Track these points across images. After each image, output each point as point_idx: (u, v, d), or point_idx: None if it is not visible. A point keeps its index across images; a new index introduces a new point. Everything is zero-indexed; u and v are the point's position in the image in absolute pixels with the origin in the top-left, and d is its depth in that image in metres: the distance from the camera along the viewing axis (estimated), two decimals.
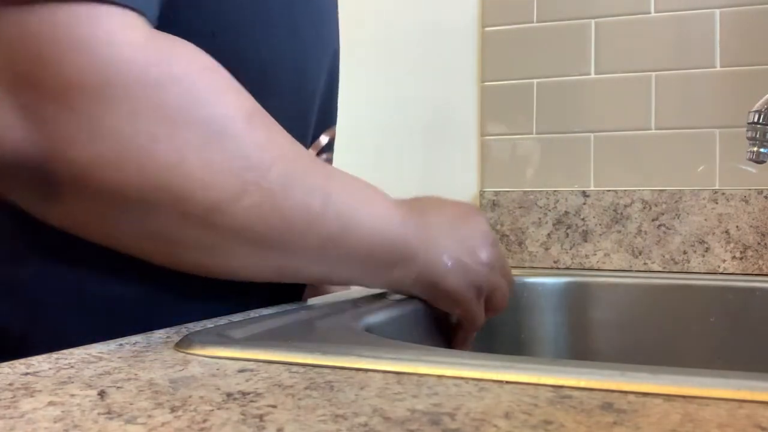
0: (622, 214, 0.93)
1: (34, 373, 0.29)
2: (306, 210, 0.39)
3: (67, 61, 0.31)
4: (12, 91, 0.32)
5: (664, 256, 0.91)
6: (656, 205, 0.91)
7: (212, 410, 0.24)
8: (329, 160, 0.55)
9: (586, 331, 0.82)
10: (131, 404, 0.25)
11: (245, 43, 0.44)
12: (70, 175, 0.33)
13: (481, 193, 1.00)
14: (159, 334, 0.38)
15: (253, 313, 0.46)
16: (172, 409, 0.24)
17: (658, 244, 0.91)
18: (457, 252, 0.49)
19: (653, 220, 0.91)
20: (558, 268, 0.94)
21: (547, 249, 0.96)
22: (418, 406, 0.24)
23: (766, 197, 0.87)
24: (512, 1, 1.00)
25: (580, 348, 0.82)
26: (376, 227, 0.43)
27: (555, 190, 0.96)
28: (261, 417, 0.23)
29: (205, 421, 0.23)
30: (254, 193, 0.36)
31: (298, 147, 0.40)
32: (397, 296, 0.54)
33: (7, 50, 0.31)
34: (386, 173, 1.06)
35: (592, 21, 0.96)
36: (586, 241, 0.94)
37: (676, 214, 0.90)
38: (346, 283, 0.48)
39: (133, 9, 0.34)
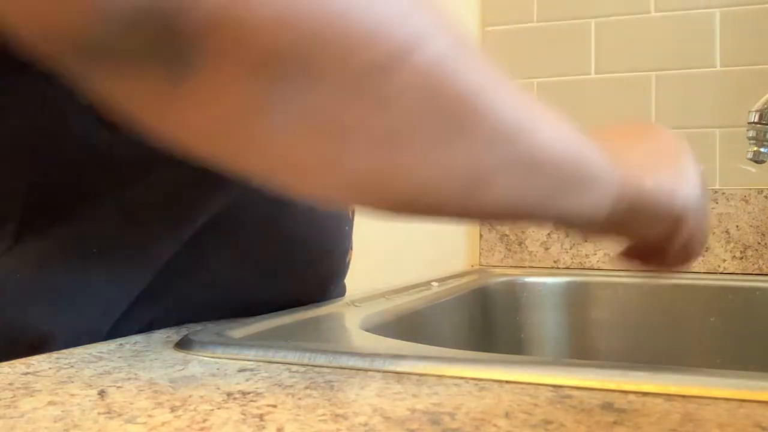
0: None
1: (34, 373, 0.29)
2: (481, 90, 0.29)
3: None
4: None
5: None
6: None
7: (212, 410, 0.24)
8: None
9: (586, 331, 0.82)
10: (131, 404, 0.25)
11: None
12: (209, 24, 0.22)
13: None
14: (159, 334, 0.38)
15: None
16: (172, 409, 0.24)
17: None
18: (663, 171, 0.41)
19: None
20: (558, 268, 0.94)
21: (547, 249, 0.95)
22: (418, 406, 0.24)
23: (766, 197, 0.87)
24: (512, 1, 1.00)
25: (580, 348, 0.82)
26: (559, 136, 0.33)
27: None
28: (261, 416, 0.23)
29: (205, 420, 0.23)
30: (430, 47, 0.26)
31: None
32: (397, 296, 0.54)
33: None
34: None
35: (592, 21, 0.96)
36: (586, 241, 0.94)
37: None
38: (538, 211, 0.36)
39: None
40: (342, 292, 0.56)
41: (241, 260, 0.44)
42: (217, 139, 0.26)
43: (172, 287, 0.41)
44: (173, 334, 0.38)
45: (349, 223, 0.54)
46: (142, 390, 0.26)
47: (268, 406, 0.24)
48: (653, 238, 0.43)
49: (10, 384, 0.27)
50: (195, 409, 0.24)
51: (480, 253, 0.99)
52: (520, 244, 0.97)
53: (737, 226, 0.88)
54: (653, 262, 0.48)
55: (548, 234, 0.96)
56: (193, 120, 0.25)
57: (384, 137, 0.27)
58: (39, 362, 0.31)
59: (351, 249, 0.55)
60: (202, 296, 0.43)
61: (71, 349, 0.34)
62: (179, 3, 0.21)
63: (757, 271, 0.87)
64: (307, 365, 0.31)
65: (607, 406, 0.24)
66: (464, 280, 0.76)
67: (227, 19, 0.22)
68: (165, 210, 0.39)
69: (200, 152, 0.26)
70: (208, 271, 0.42)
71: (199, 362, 0.31)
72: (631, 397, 0.26)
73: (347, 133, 0.26)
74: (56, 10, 0.21)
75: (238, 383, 0.28)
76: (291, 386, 0.27)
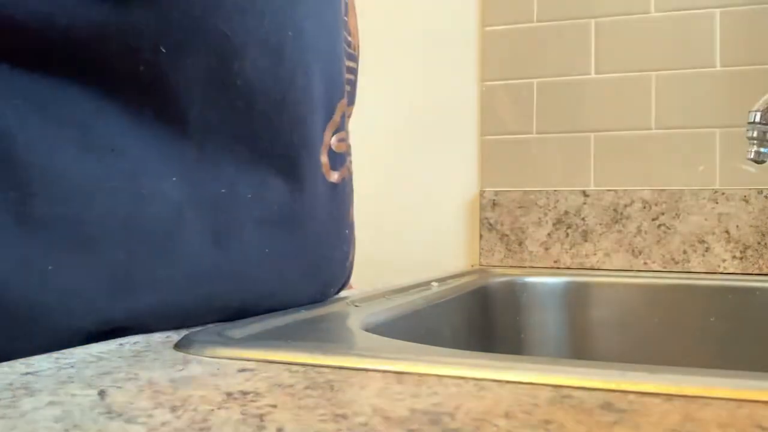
0: (622, 213, 0.93)
1: (34, 373, 0.29)
2: None
3: None
4: None
5: (664, 256, 0.91)
6: (656, 205, 0.91)
7: (212, 410, 0.24)
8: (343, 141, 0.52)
9: (586, 331, 0.82)
10: (131, 404, 0.25)
11: None
12: None
13: (481, 193, 1.00)
14: (159, 334, 0.38)
15: None
16: (172, 409, 0.24)
17: (658, 243, 0.91)
18: None
19: (653, 220, 0.91)
20: (558, 268, 0.94)
21: (547, 249, 0.96)
22: (418, 406, 0.24)
23: (766, 197, 0.87)
24: (512, 1, 1.00)
25: (580, 348, 0.82)
26: None
27: (555, 190, 0.96)
28: (261, 417, 0.23)
29: (205, 420, 0.23)
30: None
31: None
32: (397, 296, 0.54)
33: None
34: (386, 173, 1.07)
35: (592, 21, 0.96)
36: (586, 241, 0.94)
37: (676, 214, 0.90)
38: None
39: None
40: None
41: (241, 270, 0.44)
42: None
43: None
44: (173, 334, 0.38)
45: (349, 226, 0.54)
46: (142, 390, 0.26)
47: (268, 406, 0.24)
48: None
49: (10, 384, 0.27)
50: (195, 409, 0.24)
51: (480, 253, 0.99)
52: (520, 244, 0.97)
53: (737, 226, 0.88)
54: None
55: (548, 234, 0.96)
56: None
57: None
58: (39, 362, 0.31)
59: (352, 252, 0.55)
60: (200, 307, 0.42)
61: (71, 349, 0.34)
62: None
63: (757, 271, 0.87)
64: (307, 365, 0.31)
65: (607, 406, 0.24)
66: (464, 280, 0.76)
67: None
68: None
69: None
70: (205, 283, 0.42)
71: (199, 362, 0.31)
72: (631, 397, 0.26)
73: None
74: None
75: (238, 383, 0.28)
76: (291, 386, 0.27)
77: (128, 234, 0.37)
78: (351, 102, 0.57)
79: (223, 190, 0.41)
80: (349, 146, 0.53)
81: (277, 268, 0.46)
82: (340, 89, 0.49)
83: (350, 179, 0.54)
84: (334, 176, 0.49)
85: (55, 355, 0.32)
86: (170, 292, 0.40)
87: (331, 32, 0.48)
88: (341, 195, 0.51)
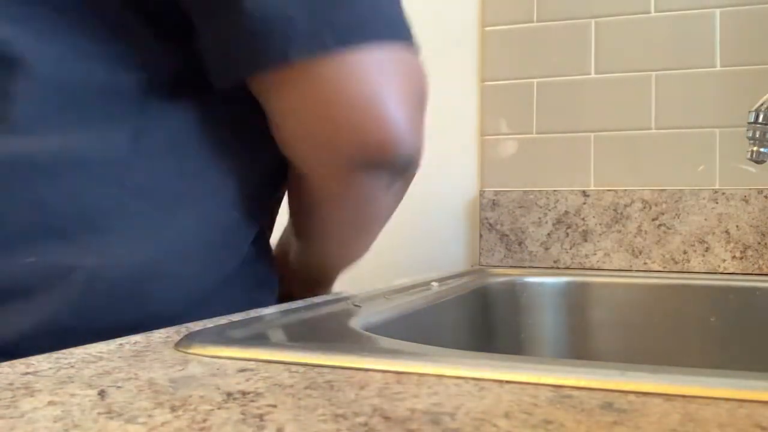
0: (622, 213, 0.93)
1: (34, 373, 0.29)
2: None
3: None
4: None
5: (664, 256, 0.91)
6: (656, 205, 0.91)
7: (212, 410, 0.24)
8: None
9: (586, 331, 0.82)
10: (131, 404, 0.25)
11: None
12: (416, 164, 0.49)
13: (481, 193, 1.00)
14: (159, 334, 0.38)
15: (254, 313, 0.46)
16: (173, 409, 0.24)
17: (658, 243, 0.91)
18: None
19: (653, 220, 0.91)
20: (558, 268, 0.94)
21: (547, 249, 0.96)
22: (418, 406, 0.24)
23: (766, 197, 0.87)
24: (512, 1, 1.00)
25: (580, 348, 0.82)
26: None
27: (555, 190, 0.96)
28: (261, 417, 0.23)
29: (205, 420, 0.23)
30: None
31: None
32: (397, 296, 0.54)
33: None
34: None
35: (592, 21, 0.96)
36: (586, 241, 0.94)
37: (676, 214, 0.90)
38: None
39: None
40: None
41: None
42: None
43: None
44: (173, 334, 0.38)
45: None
46: (142, 390, 0.26)
47: (268, 406, 0.24)
48: None
49: (10, 384, 0.27)
50: (195, 409, 0.24)
51: (480, 253, 0.99)
52: (520, 244, 0.97)
53: (737, 226, 0.88)
54: None
55: (548, 234, 0.96)
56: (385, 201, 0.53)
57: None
58: (39, 362, 0.31)
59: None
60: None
61: (71, 349, 0.34)
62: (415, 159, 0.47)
63: (757, 271, 0.87)
64: (307, 365, 0.31)
65: (607, 406, 0.24)
66: (464, 280, 0.76)
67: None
68: None
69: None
70: None
71: (199, 362, 0.31)
72: (631, 397, 0.26)
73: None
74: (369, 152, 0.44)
75: (238, 383, 0.28)
76: (291, 386, 0.27)
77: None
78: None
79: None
80: None
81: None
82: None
83: None
84: None
85: (55, 355, 0.32)
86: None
87: None
88: None
